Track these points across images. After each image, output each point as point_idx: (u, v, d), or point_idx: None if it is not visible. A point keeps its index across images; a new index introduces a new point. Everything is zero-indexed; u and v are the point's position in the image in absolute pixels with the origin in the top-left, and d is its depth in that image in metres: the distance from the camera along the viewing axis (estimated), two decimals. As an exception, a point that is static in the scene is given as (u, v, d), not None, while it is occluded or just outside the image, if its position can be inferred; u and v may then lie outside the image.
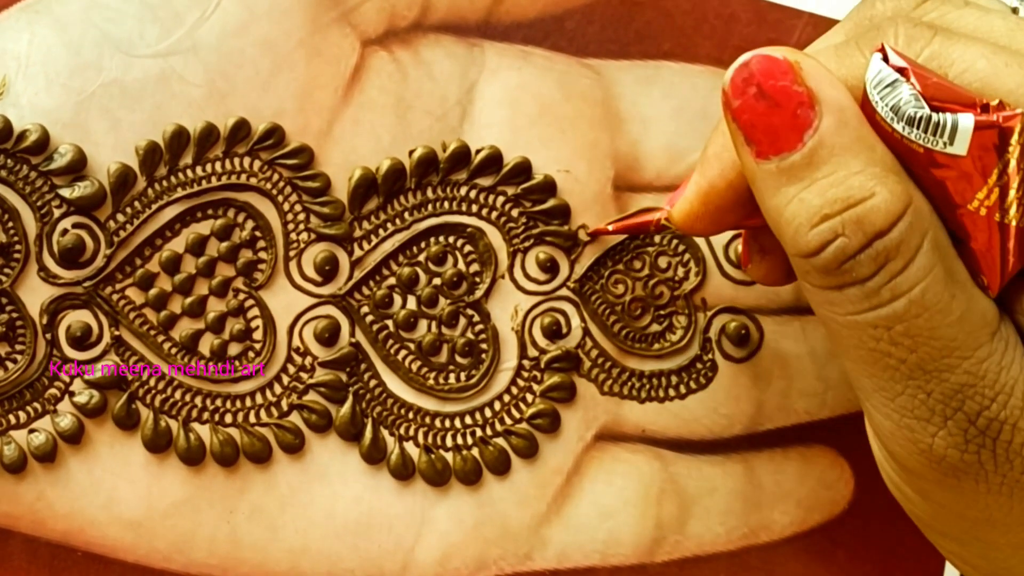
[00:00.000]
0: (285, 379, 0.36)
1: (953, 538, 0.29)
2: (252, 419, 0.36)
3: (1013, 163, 0.24)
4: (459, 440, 0.36)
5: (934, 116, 0.24)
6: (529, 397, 0.36)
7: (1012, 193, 0.24)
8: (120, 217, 0.35)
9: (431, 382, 0.36)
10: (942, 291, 0.24)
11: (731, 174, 0.28)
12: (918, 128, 0.24)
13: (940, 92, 0.24)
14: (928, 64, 0.25)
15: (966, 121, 0.24)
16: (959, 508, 0.27)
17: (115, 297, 0.36)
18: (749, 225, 0.30)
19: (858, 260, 0.24)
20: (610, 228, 0.35)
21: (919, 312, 0.24)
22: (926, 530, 0.30)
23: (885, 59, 0.25)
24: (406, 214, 0.36)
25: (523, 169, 0.36)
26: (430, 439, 0.36)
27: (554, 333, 0.36)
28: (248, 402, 0.36)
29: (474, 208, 0.36)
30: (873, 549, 0.37)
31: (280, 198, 0.36)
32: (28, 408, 0.35)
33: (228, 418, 0.36)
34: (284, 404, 0.36)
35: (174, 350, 0.36)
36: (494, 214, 0.36)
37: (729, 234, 0.36)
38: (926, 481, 0.27)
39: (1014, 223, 0.25)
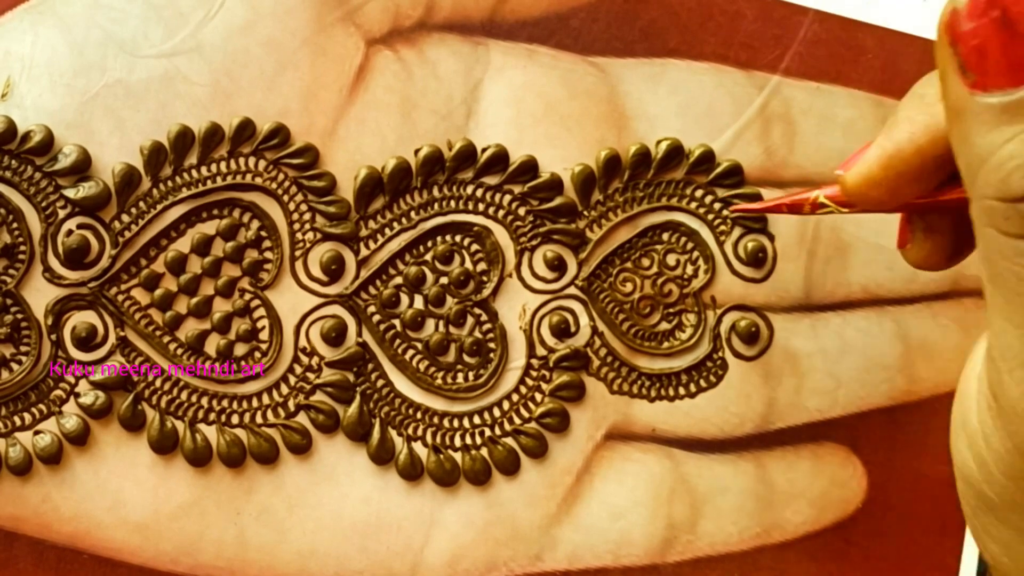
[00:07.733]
0: (292, 379, 0.36)
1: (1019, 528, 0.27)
2: (259, 419, 0.36)
3: None
4: (468, 440, 0.36)
5: None
6: (538, 396, 0.36)
7: None
8: (125, 217, 0.35)
9: (439, 382, 0.36)
10: None
11: (922, 139, 0.27)
12: None
13: None
14: None
15: None
16: None
17: (120, 298, 0.35)
18: (924, 202, 0.29)
19: None
20: (758, 207, 0.34)
21: None
22: (991, 511, 0.27)
23: None
24: (412, 213, 0.36)
25: (529, 167, 0.36)
26: (438, 439, 0.36)
27: (562, 332, 0.36)
28: (255, 402, 0.36)
29: (480, 207, 0.36)
30: (887, 548, 0.36)
31: (285, 198, 0.36)
32: (33, 410, 0.35)
33: (235, 419, 0.35)
34: (291, 404, 0.36)
35: (180, 351, 0.35)
36: (501, 212, 0.36)
37: (739, 231, 0.36)
38: None
39: None
